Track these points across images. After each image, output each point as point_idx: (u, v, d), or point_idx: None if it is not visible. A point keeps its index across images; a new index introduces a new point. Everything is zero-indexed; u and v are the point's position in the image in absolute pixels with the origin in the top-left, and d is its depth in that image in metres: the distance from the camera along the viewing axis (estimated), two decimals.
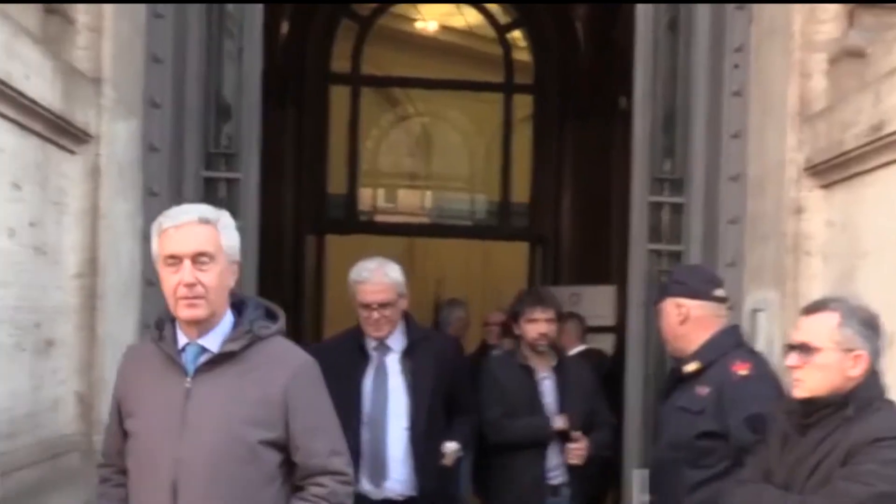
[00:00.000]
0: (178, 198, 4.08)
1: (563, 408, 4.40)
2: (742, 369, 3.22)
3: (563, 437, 4.41)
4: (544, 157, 10.87)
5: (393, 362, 4.02)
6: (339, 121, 11.01)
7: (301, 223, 10.01)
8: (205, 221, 2.55)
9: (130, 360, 2.75)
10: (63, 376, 3.47)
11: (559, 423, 4.38)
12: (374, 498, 3.93)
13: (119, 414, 2.70)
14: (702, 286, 3.47)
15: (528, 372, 4.45)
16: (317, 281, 10.66)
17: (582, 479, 4.51)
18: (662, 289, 3.61)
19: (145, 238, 3.93)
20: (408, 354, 4.01)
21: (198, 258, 2.51)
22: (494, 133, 12.18)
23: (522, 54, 11.59)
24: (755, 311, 3.98)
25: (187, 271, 2.49)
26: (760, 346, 3.80)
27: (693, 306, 3.39)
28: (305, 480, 2.58)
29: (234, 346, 2.54)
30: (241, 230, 4.08)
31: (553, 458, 4.40)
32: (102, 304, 3.57)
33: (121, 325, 3.77)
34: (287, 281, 9.61)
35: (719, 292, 3.53)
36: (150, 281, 3.97)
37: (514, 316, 4.52)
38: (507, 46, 11.47)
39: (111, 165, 3.60)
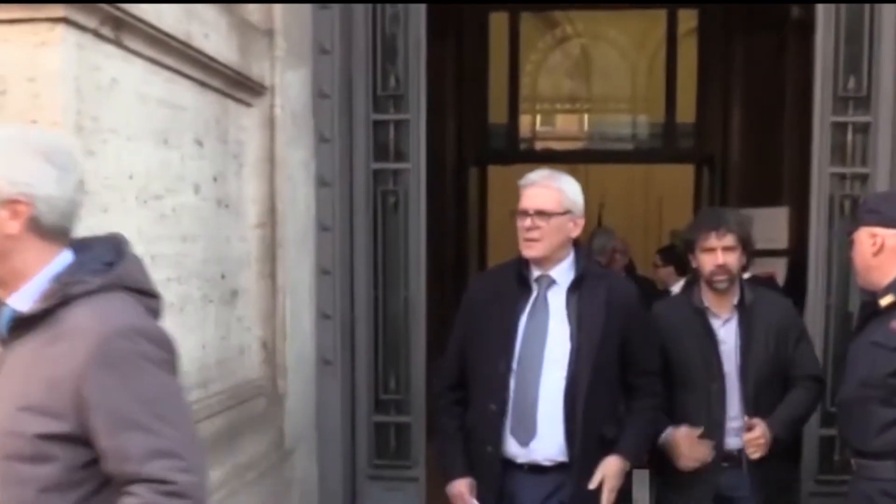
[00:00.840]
0: (348, 142, 4.15)
1: (742, 363, 3.56)
2: None
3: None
4: (711, 73, 10.43)
5: (556, 298, 3.30)
6: (499, 48, 10.89)
7: (463, 155, 10.01)
8: None
9: None
10: (248, 324, 3.59)
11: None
12: (520, 461, 3.26)
13: None
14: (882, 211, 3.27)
15: (703, 317, 3.62)
16: (480, 213, 10.67)
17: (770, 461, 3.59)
18: (855, 218, 3.40)
19: (320, 184, 4.04)
20: (575, 291, 3.28)
21: None
22: (657, 50, 11.80)
23: None
24: None
25: None
26: None
27: (889, 235, 3.20)
28: (122, 489, 1.90)
29: (36, 308, 1.92)
30: (410, 170, 4.23)
31: (734, 407, 3.59)
32: (282, 251, 3.67)
33: (299, 272, 3.88)
34: (450, 214, 9.65)
35: None
36: (325, 226, 4.07)
37: (690, 245, 3.66)
38: None
39: (285, 115, 3.67)
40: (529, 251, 3.25)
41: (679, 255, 7.07)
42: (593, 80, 13.71)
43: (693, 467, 3.53)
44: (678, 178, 11.74)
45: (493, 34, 10.78)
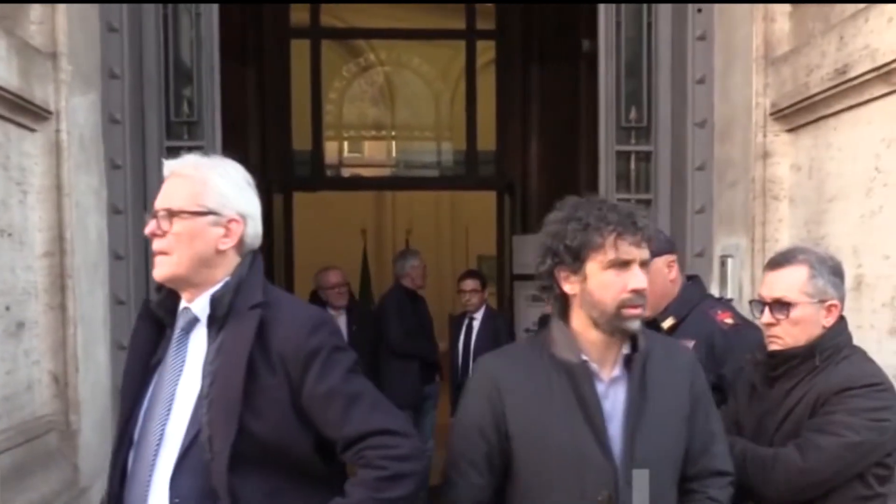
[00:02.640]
0: (142, 169, 4.06)
1: (628, 450, 2.28)
2: (727, 318, 3.18)
3: None
4: (509, 103, 10.80)
5: (198, 341, 2.23)
6: (301, 75, 10.89)
7: (267, 182, 9.92)
8: None
9: None
10: (36, 357, 3.45)
11: None
12: None
13: None
14: (672, 240, 3.46)
15: (576, 378, 2.29)
16: (286, 239, 10.60)
17: None
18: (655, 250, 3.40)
19: (111, 212, 3.93)
20: (217, 328, 2.21)
21: None
22: (458, 80, 12.09)
23: None
24: (724, 257, 4.01)
25: None
26: (730, 292, 3.84)
27: (675, 262, 3.36)
28: None
29: None
30: None
31: None
32: (72, 281, 3.54)
33: (91, 302, 3.75)
34: None
35: None
36: (118, 255, 3.96)
37: (575, 254, 2.26)
38: None
39: (72, 140, 3.55)
40: (155, 271, 2.24)
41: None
42: (398, 107, 13.90)
43: None
44: (482, 205, 12.03)
45: (295, 61, 10.78)
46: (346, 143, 14.10)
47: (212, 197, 2.20)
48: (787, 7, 3.72)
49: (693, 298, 3.30)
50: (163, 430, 2.15)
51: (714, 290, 3.89)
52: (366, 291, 13.15)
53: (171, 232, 2.18)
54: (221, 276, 2.24)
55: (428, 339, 7.00)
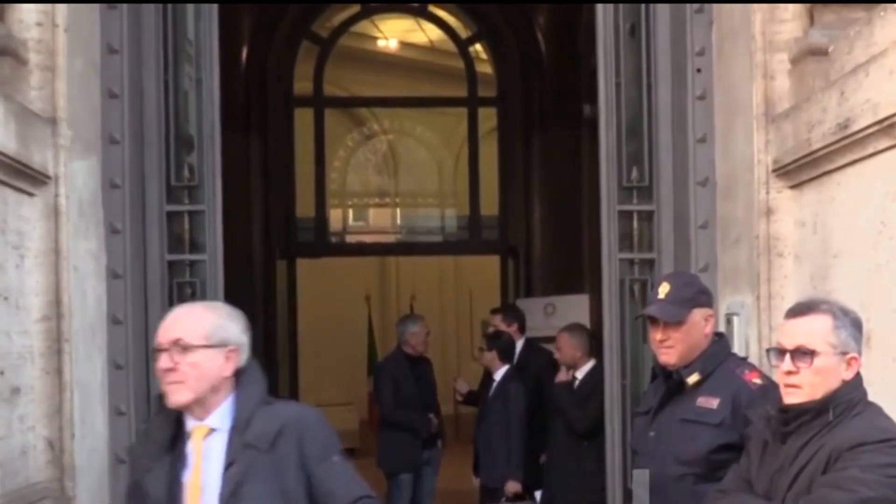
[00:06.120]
0: (141, 234, 4.05)
1: None
2: (755, 377, 3.10)
3: None
4: (512, 168, 10.86)
5: None
6: (305, 143, 10.96)
7: (270, 248, 9.93)
8: None
9: None
10: (31, 422, 3.41)
11: None
12: None
13: None
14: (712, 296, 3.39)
15: None
16: (290, 304, 10.58)
17: None
18: (684, 300, 3.18)
19: (111, 276, 3.91)
20: None
21: None
22: (461, 147, 12.15)
23: (485, 66, 11.59)
24: (730, 315, 3.96)
25: None
26: (736, 349, 3.77)
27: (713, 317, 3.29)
28: None
29: None
30: (206, 261, 4.15)
31: None
32: (69, 346, 3.51)
33: (89, 367, 3.72)
34: (258, 306, 9.53)
35: None
36: (117, 319, 3.93)
37: None
38: (469, 60, 11.46)
39: (71, 205, 3.55)
40: None
41: (505, 342, 7.04)
42: (401, 175, 13.96)
43: None
44: (486, 269, 12.01)
45: (298, 129, 10.85)
46: (350, 211, 14.14)
47: None
48: (786, 65, 3.72)
49: (719, 356, 3.20)
50: None
51: None
52: (372, 358, 13.06)
53: None
54: None
55: (425, 409, 6.79)
